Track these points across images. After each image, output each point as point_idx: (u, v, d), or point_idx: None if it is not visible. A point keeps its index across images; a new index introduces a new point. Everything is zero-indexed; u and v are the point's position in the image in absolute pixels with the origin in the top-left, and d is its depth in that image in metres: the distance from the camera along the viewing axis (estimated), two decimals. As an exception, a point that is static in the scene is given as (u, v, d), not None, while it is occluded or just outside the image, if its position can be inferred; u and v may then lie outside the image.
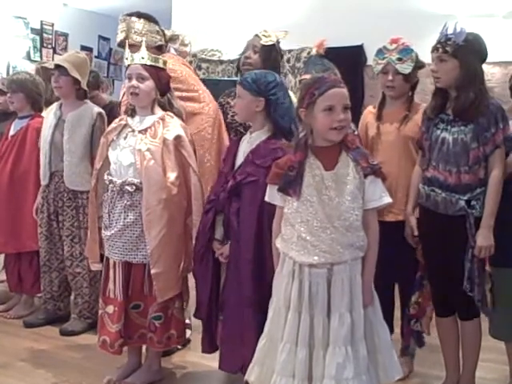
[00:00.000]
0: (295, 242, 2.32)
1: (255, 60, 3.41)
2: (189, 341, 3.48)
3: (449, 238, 2.72)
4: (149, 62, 2.88)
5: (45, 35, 8.76)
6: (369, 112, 3.25)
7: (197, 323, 3.09)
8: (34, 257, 4.01)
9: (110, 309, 2.93)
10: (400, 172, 3.02)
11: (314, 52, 3.67)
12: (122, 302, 2.90)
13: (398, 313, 3.25)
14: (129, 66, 2.92)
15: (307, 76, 3.34)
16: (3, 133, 4.19)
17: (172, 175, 2.84)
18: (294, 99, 3.45)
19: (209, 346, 2.88)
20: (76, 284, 3.78)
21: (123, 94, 3.33)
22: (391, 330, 3.16)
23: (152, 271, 2.83)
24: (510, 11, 5.52)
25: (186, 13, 6.99)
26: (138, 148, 2.85)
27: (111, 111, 3.90)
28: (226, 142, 3.40)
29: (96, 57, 9.48)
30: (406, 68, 3.04)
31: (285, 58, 6.49)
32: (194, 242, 2.86)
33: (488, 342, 2.94)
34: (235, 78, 3.48)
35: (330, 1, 6.26)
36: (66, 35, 9.05)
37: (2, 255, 4.28)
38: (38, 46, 8.67)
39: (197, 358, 3.18)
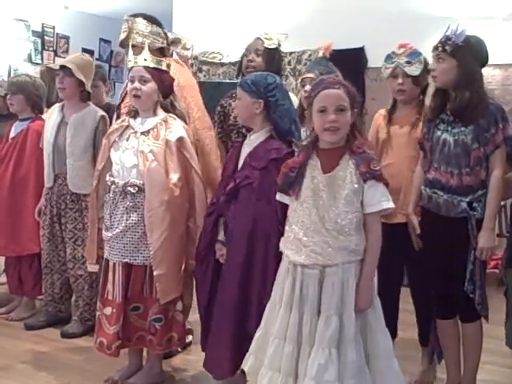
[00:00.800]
0: (291, 241, 2.36)
1: (259, 63, 3.41)
2: (190, 343, 3.48)
3: (450, 240, 2.73)
4: (152, 65, 2.88)
5: (46, 38, 8.77)
6: (380, 115, 3.25)
7: (198, 324, 3.09)
8: (34, 259, 4.01)
9: (108, 310, 2.93)
10: (409, 175, 3.02)
11: (320, 54, 3.68)
12: (120, 303, 2.90)
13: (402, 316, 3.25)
14: (131, 68, 2.92)
15: (310, 75, 3.35)
16: (3, 134, 4.20)
17: (174, 177, 2.85)
18: (296, 100, 3.46)
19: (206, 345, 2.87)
20: (77, 286, 3.78)
21: (124, 95, 3.34)
22: (395, 334, 3.18)
23: (155, 273, 2.83)
24: (510, 13, 5.52)
25: (187, 15, 6.99)
26: (140, 149, 2.85)
27: (106, 113, 3.89)
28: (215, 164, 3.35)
29: (97, 59, 9.48)
30: (414, 70, 3.04)
31: (286, 60, 6.51)
32: (197, 243, 2.86)
33: (489, 344, 2.94)
34: (236, 81, 3.48)
35: (331, 3, 6.26)
36: (67, 38, 9.05)
37: (3, 258, 4.29)
38: (40, 48, 8.68)
39: (198, 361, 3.17)
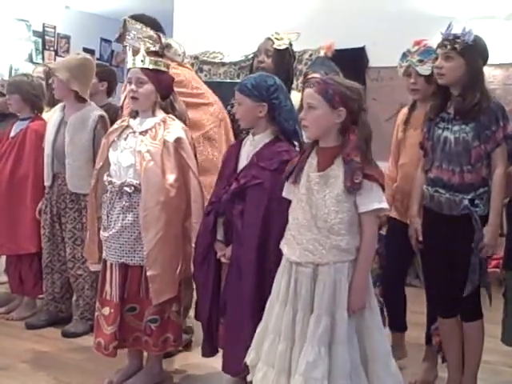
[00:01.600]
0: (288, 238, 2.39)
1: (268, 64, 3.42)
2: (190, 342, 3.48)
3: (452, 239, 2.72)
4: (149, 66, 2.88)
5: (47, 38, 8.78)
6: (402, 113, 3.26)
7: (199, 324, 3.08)
8: (34, 259, 4.01)
9: (106, 311, 2.93)
10: None
11: (322, 53, 3.68)
12: (117, 304, 2.90)
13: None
14: (129, 69, 2.93)
15: (315, 75, 3.35)
16: (3, 133, 4.21)
17: (171, 177, 2.84)
18: (298, 98, 3.46)
19: (209, 351, 2.87)
20: (78, 286, 3.78)
21: (125, 97, 3.34)
22: (404, 328, 3.19)
23: (148, 273, 2.82)
24: (511, 13, 5.53)
25: (188, 15, 6.99)
26: (138, 149, 2.85)
27: (106, 112, 3.89)
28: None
29: (98, 59, 9.48)
30: (426, 70, 3.03)
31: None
32: (193, 245, 2.85)
33: (490, 343, 2.93)
34: (237, 81, 3.49)
35: (332, 3, 6.26)
36: (68, 38, 9.06)
37: (3, 257, 4.29)
38: (40, 48, 8.69)
39: (198, 360, 3.17)
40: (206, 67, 6.99)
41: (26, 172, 3.98)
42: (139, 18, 3.37)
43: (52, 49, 8.85)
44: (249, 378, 2.52)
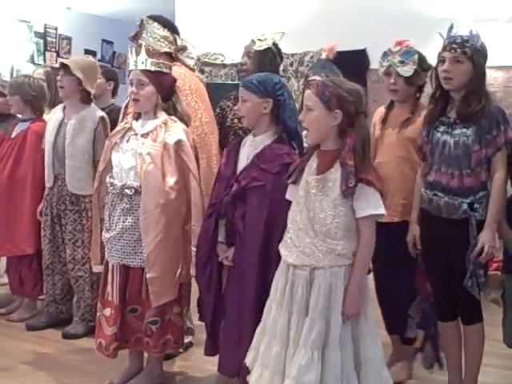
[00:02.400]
0: (286, 240, 2.39)
1: (249, 66, 3.41)
2: (191, 344, 3.47)
3: (451, 242, 2.71)
4: (153, 68, 2.88)
5: (48, 39, 8.79)
6: (378, 112, 3.24)
7: (201, 325, 3.09)
8: (33, 260, 4.01)
9: (107, 311, 2.93)
10: (398, 174, 3.02)
11: (324, 56, 3.68)
12: (118, 305, 2.90)
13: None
14: (131, 71, 2.93)
15: (316, 77, 3.35)
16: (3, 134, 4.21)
17: (171, 180, 2.84)
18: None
19: (212, 349, 2.87)
20: (78, 287, 3.78)
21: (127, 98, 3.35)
22: (403, 330, 3.17)
23: (147, 275, 2.82)
24: (512, 15, 5.53)
25: (190, 16, 6.99)
26: (139, 152, 2.85)
27: (109, 114, 3.89)
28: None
29: (99, 60, 9.48)
30: (407, 71, 3.02)
31: (288, 61, 6.51)
32: (193, 248, 2.84)
33: (491, 346, 2.93)
34: (238, 82, 3.48)
35: (333, 5, 6.27)
36: (69, 39, 9.07)
37: (4, 258, 4.29)
38: (42, 49, 8.70)
39: (199, 362, 3.18)
40: (207, 69, 6.99)
41: (25, 173, 3.98)
42: (156, 19, 3.38)
43: (53, 50, 8.86)
44: (248, 378, 2.52)
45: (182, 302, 3.02)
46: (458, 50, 2.66)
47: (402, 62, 3.03)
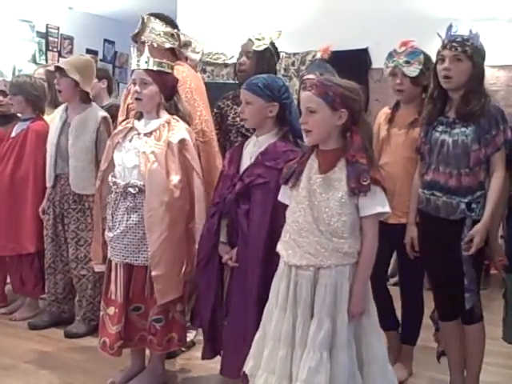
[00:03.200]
0: (286, 241, 2.35)
1: (248, 65, 3.41)
2: (193, 343, 3.48)
3: (450, 242, 2.70)
4: (155, 67, 2.89)
5: (50, 38, 8.79)
6: (383, 113, 3.25)
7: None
8: (34, 259, 4.02)
9: (111, 310, 2.94)
10: (405, 175, 3.02)
11: (318, 56, 3.68)
12: (122, 303, 2.91)
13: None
14: (133, 70, 2.93)
15: (310, 76, 3.35)
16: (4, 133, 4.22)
17: (175, 178, 2.85)
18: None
19: (210, 352, 2.86)
20: (81, 286, 3.79)
21: (125, 97, 3.35)
22: (396, 325, 3.20)
23: (153, 273, 2.83)
24: (514, 15, 5.53)
25: (191, 16, 7.00)
26: (142, 150, 2.86)
27: (109, 112, 3.89)
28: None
29: (101, 60, 9.50)
30: (413, 71, 3.03)
31: (289, 61, 6.51)
32: (197, 246, 2.85)
33: (492, 345, 2.93)
34: (238, 82, 3.49)
35: (335, 4, 6.27)
36: (71, 38, 9.07)
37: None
38: (44, 49, 8.70)
39: (201, 361, 3.18)
40: (209, 68, 7.00)
41: (26, 172, 3.99)
42: (158, 16, 3.38)
43: (55, 50, 8.86)
44: None
45: (186, 300, 3.02)
46: (459, 49, 2.66)
47: (407, 63, 3.04)
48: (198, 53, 3.46)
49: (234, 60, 5.95)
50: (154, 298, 2.88)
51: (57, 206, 3.79)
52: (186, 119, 3.02)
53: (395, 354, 3.18)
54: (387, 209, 2.29)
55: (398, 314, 3.26)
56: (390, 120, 3.15)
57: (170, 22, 3.39)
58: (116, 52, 9.80)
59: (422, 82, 3.05)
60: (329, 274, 2.26)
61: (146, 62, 2.88)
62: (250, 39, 3.49)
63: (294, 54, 6.51)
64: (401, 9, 5.92)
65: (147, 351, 3.11)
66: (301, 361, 2.24)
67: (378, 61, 5.78)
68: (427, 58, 3.04)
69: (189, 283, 2.99)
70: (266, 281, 2.50)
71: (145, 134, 2.91)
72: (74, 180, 3.70)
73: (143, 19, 3.30)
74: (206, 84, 3.68)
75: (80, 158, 3.69)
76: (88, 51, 8.92)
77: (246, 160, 2.72)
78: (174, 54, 3.35)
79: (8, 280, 4.35)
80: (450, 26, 2.73)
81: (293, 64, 6.57)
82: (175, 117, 2.95)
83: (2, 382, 3.15)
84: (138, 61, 2.90)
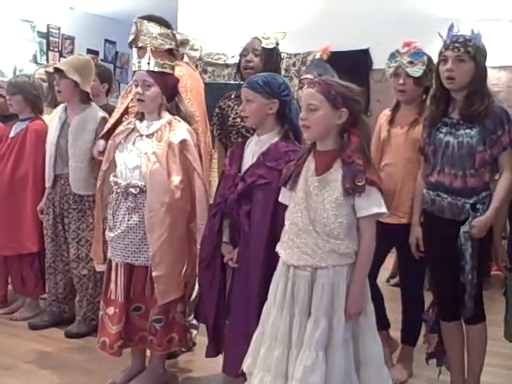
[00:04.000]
0: (285, 242, 2.37)
1: (256, 63, 3.40)
2: (194, 344, 3.48)
3: (454, 242, 2.70)
4: (156, 69, 2.89)
5: (51, 38, 8.81)
6: (384, 115, 3.25)
7: (202, 326, 3.09)
8: (34, 259, 4.02)
9: (111, 310, 2.93)
10: (406, 175, 3.03)
11: (317, 56, 3.69)
12: (122, 303, 2.91)
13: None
14: (135, 72, 2.93)
15: (308, 76, 3.36)
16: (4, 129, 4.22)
17: (176, 179, 2.85)
18: None
19: (214, 351, 2.86)
20: (81, 286, 3.78)
21: (124, 98, 3.34)
22: (387, 325, 3.21)
23: (153, 274, 2.83)
24: (516, 15, 5.53)
25: (192, 16, 7.01)
26: (144, 151, 2.86)
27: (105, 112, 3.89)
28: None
29: (102, 60, 9.51)
30: (416, 71, 3.03)
31: (290, 61, 6.52)
32: (198, 246, 2.85)
33: (493, 346, 2.93)
34: (241, 82, 3.48)
35: (336, 5, 6.28)
36: (72, 39, 9.09)
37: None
38: (45, 49, 8.73)
39: (202, 361, 3.17)
40: (209, 68, 7.01)
41: (26, 172, 3.98)
42: (149, 18, 3.37)
43: (56, 50, 8.88)
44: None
45: (186, 300, 3.02)
46: (461, 49, 2.66)
47: (411, 63, 3.04)
48: (196, 50, 3.45)
49: (235, 60, 5.96)
50: (154, 298, 2.88)
51: (57, 206, 3.79)
52: (188, 119, 3.02)
53: (386, 353, 3.18)
54: (383, 209, 2.29)
55: (398, 315, 3.26)
56: (391, 121, 3.15)
57: (163, 22, 3.37)
58: (117, 52, 9.82)
59: (425, 82, 3.06)
60: (326, 274, 2.27)
61: (148, 64, 2.88)
62: (256, 37, 3.49)
63: (295, 55, 6.52)
64: (402, 9, 5.93)
65: (148, 351, 3.11)
66: (297, 360, 2.25)
67: (378, 61, 5.79)
68: (430, 58, 3.05)
69: (190, 283, 2.99)
70: (267, 281, 2.50)
71: (147, 136, 2.91)
72: (74, 181, 3.70)
73: (136, 24, 3.29)
74: (207, 84, 3.67)
75: (80, 159, 3.69)
76: (89, 51, 8.93)
77: (248, 159, 2.72)
78: (172, 54, 3.35)
79: (9, 280, 4.36)
80: (452, 26, 2.73)
81: (294, 64, 6.58)
82: (177, 117, 2.95)
83: (2, 381, 3.15)
84: (139, 62, 2.90)
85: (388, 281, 5.16)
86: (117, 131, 3.07)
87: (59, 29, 8.88)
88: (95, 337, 3.20)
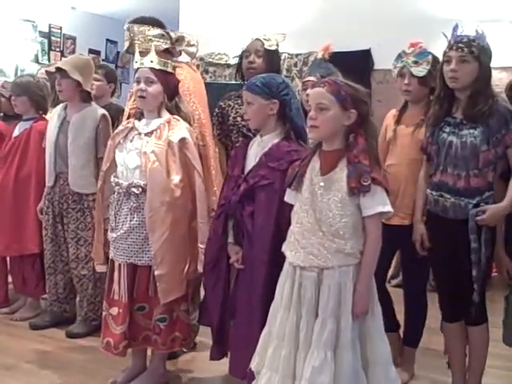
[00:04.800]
0: (291, 242, 2.37)
1: (259, 64, 3.40)
2: (195, 344, 3.47)
3: (458, 243, 2.71)
4: (158, 66, 2.89)
5: (53, 38, 8.81)
6: (390, 115, 3.25)
7: (203, 327, 3.08)
8: (36, 259, 4.01)
9: (114, 310, 2.93)
10: (409, 176, 3.02)
11: (319, 55, 3.68)
12: (126, 303, 2.91)
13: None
14: (137, 69, 2.93)
15: (311, 78, 3.35)
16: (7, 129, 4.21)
17: (176, 177, 2.85)
18: None
19: (218, 354, 2.85)
20: (81, 286, 3.78)
21: (130, 97, 3.34)
22: (396, 327, 3.19)
23: (155, 273, 2.83)
24: (517, 16, 5.53)
25: (194, 16, 7.01)
26: (143, 150, 2.86)
27: (107, 111, 3.88)
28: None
29: (103, 60, 9.52)
30: (420, 71, 3.03)
31: (292, 62, 6.52)
32: (200, 245, 2.85)
33: (495, 348, 2.93)
34: (243, 82, 3.48)
35: (337, 5, 6.27)
36: (73, 38, 9.09)
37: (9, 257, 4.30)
38: (46, 49, 8.73)
39: (203, 362, 3.18)
40: (211, 69, 7.00)
41: (30, 172, 3.98)
42: (141, 21, 3.36)
43: (58, 49, 8.88)
44: (254, 383, 2.49)
45: (189, 299, 3.02)
46: (465, 50, 2.66)
47: (415, 63, 3.04)
48: (193, 45, 3.44)
49: (237, 60, 5.96)
50: (158, 298, 2.88)
51: (56, 206, 3.78)
52: (188, 119, 3.03)
53: (396, 355, 3.17)
54: (388, 208, 2.29)
55: (400, 316, 3.25)
56: (397, 121, 3.15)
57: (155, 23, 3.36)
58: (118, 52, 9.81)
59: (430, 82, 3.05)
60: (332, 275, 2.27)
61: (152, 61, 2.88)
62: (258, 39, 3.49)
63: (297, 55, 6.52)
64: (403, 10, 5.92)
65: (149, 351, 3.11)
66: (305, 360, 2.25)
67: (380, 62, 5.79)
68: (435, 59, 3.04)
69: (192, 283, 2.99)
70: (271, 281, 2.50)
71: (145, 134, 2.90)
72: (73, 178, 3.69)
73: (128, 30, 3.29)
74: (208, 84, 3.67)
75: (79, 157, 3.68)
76: (90, 51, 8.94)
77: (251, 160, 2.71)
78: (170, 53, 3.34)
79: (10, 279, 4.36)
80: (456, 27, 2.72)
81: (295, 65, 6.57)
82: (176, 116, 2.95)
83: (3, 381, 3.15)
84: (142, 60, 2.90)
85: (389, 281, 5.15)
86: (116, 131, 3.07)
87: (61, 29, 8.88)
88: (96, 337, 3.21)
